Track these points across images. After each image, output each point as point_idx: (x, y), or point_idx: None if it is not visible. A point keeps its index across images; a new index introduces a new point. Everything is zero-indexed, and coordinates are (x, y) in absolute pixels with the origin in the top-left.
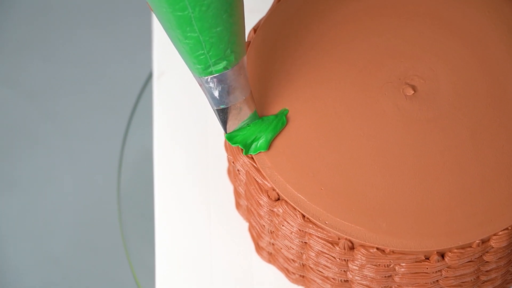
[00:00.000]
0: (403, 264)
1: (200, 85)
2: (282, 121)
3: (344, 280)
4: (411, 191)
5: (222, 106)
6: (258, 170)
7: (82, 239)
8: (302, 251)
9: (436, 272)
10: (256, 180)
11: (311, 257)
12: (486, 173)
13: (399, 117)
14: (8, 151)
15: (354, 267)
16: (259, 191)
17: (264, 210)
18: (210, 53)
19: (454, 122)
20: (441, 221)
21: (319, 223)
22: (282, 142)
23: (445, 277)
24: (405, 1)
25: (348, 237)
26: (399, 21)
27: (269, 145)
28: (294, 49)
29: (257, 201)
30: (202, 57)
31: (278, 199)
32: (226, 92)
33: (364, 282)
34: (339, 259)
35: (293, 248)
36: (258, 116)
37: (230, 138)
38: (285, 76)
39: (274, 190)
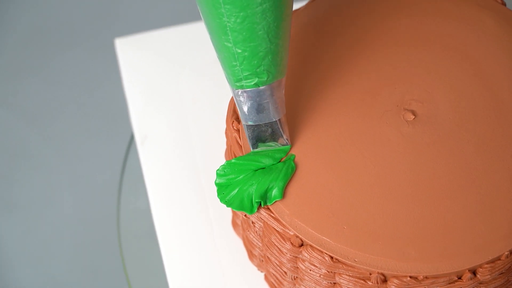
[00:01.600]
0: None
1: (233, 96)
2: (291, 167)
3: None
4: (431, 214)
5: (250, 123)
6: (276, 219)
7: (82, 261)
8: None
9: None
10: (276, 230)
11: None
12: (500, 185)
13: (405, 143)
14: (7, 173)
15: None
16: (281, 239)
17: (287, 257)
18: (242, 67)
19: (459, 140)
20: (467, 239)
21: (349, 262)
22: (294, 186)
23: None
24: (388, 26)
25: (380, 271)
26: (385, 47)
27: (283, 193)
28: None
29: (279, 250)
30: (235, 68)
31: (302, 244)
32: (255, 109)
33: None
34: None
35: None
36: (290, 143)
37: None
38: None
39: (297, 236)
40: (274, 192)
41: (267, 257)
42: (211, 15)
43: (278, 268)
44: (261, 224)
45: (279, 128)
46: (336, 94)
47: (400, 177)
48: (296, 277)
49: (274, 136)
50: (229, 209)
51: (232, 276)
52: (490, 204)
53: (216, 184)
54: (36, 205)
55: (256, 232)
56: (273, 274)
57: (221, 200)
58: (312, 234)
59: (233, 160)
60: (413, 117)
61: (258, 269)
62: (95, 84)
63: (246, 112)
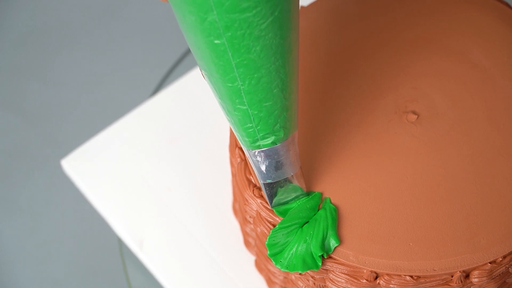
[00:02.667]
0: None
1: (248, 157)
2: (333, 209)
3: None
4: (470, 210)
5: (268, 181)
6: (344, 264)
7: (82, 263)
8: None
9: None
10: (346, 273)
11: None
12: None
13: (421, 143)
14: (8, 175)
15: None
16: (356, 279)
17: None
18: (259, 127)
19: (467, 127)
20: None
21: (429, 273)
22: (342, 226)
23: None
24: (377, 28)
25: (461, 269)
26: (372, 51)
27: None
28: None
29: None
30: (250, 130)
31: (377, 276)
32: (273, 167)
33: None
34: None
35: None
36: (306, 192)
37: (306, 256)
38: None
39: (372, 271)
40: (331, 240)
41: None
42: (222, 80)
43: None
44: (325, 275)
45: (295, 181)
46: (332, 120)
47: (431, 177)
48: None
49: (292, 188)
50: (256, 274)
51: None
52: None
53: (270, 255)
54: (36, 205)
55: (315, 283)
56: None
57: (282, 268)
58: (383, 263)
59: (277, 227)
60: (416, 116)
61: None
62: (96, 84)
63: (265, 171)
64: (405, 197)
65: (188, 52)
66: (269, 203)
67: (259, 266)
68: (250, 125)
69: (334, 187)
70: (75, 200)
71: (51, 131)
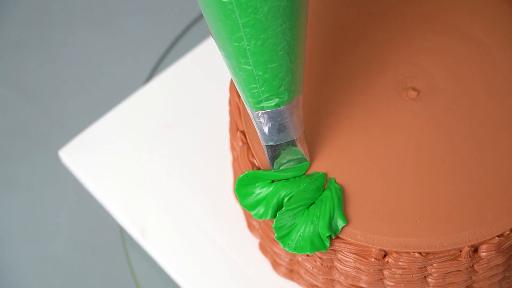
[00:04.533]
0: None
1: (252, 118)
2: (339, 189)
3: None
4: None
5: (270, 143)
6: (352, 243)
7: (81, 240)
8: (421, 285)
9: None
10: (354, 253)
11: (434, 284)
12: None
13: (423, 119)
14: (7, 151)
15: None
16: (364, 258)
17: (370, 272)
18: (263, 88)
19: (468, 102)
20: None
21: (438, 249)
22: (349, 206)
23: None
24: (373, 5)
25: (470, 243)
26: (367, 28)
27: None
28: None
29: (358, 270)
30: (254, 91)
31: (386, 254)
32: (276, 129)
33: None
34: (466, 268)
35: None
36: (309, 160)
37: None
38: None
39: (380, 250)
40: (339, 220)
41: (339, 282)
42: (229, 39)
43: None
44: (333, 255)
45: (299, 145)
46: (333, 99)
47: (435, 153)
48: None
49: (294, 153)
50: (261, 256)
51: None
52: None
53: (277, 238)
54: (36, 182)
55: (323, 264)
56: None
57: (290, 250)
58: (392, 241)
59: (283, 209)
60: (416, 92)
61: None
62: (95, 61)
63: (267, 133)
64: (410, 174)
65: (183, 35)
66: (270, 165)
67: (263, 249)
68: (255, 85)
69: (338, 167)
70: (75, 180)
71: (51, 107)
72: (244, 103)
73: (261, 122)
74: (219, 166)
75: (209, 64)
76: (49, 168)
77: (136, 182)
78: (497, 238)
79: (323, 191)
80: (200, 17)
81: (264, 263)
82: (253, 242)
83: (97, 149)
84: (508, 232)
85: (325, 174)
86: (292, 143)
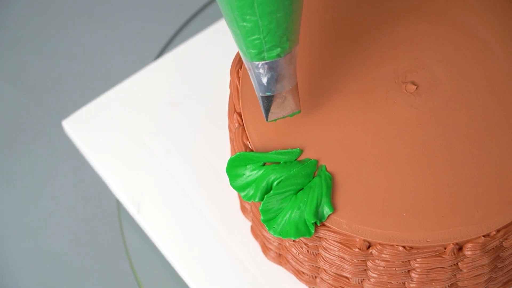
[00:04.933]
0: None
1: (248, 70)
2: (328, 177)
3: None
4: (466, 182)
5: (267, 94)
6: (337, 232)
7: (81, 235)
8: (404, 280)
9: None
10: (339, 242)
11: (417, 279)
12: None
13: (420, 114)
14: (7, 146)
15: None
16: (348, 248)
17: (354, 263)
18: (266, 39)
19: (466, 99)
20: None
21: (422, 245)
22: (337, 194)
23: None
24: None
25: (455, 241)
26: (368, 22)
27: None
28: None
29: (342, 259)
30: (257, 41)
31: (370, 246)
32: (274, 79)
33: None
34: (450, 266)
35: (392, 282)
36: (300, 109)
37: (299, 222)
38: None
39: (364, 240)
40: (325, 207)
41: (325, 270)
42: None
43: (340, 278)
44: (318, 242)
45: (292, 95)
46: (331, 88)
47: (429, 148)
48: (363, 279)
49: (287, 103)
50: (252, 239)
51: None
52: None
53: (263, 221)
54: (35, 176)
55: (309, 251)
56: (332, 285)
57: (274, 234)
58: (376, 232)
59: (271, 193)
60: (415, 87)
61: (309, 286)
62: (94, 56)
63: (265, 84)
64: (401, 168)
65: (192, 17)
66: (264, 116)
67: (254, 232)
68: (258, 36)
69: (330, 155)
70: (74, 170)
71: (51, 102)
72: (242, 55)
73: (260, 73)
74: (219, 147)
75: (216, 46)
76: (48, 162)
77: (135, 157)
78: (482, 237)
79: (313, 178)
80: (202, 6)
81: (255, 246)
82: (246, 225)
83: (100, 122)
84: (494, 233)
85: (317, 161)
86: (287, 93)
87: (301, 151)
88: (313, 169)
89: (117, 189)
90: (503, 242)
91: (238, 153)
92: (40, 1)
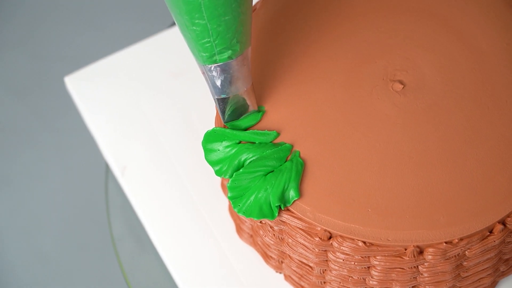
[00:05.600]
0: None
1: (203, 73)
2: (300, 163)
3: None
4: (444, 178)
5: (223, 96)
6: (300, 218)
7: (71, 236)
8: (365, 276)
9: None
10: (301, 229)
11: (377, 276)
12: (497, 145)
13: (402, 114)
14: None
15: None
16: (308, 236)
17: (315, 252)
18: (216, 42)
19: (451, 101)
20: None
21: (382, 243)
22: (307, 182)
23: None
24: None
25: (415, 244)
26: (358, 18)
27: (299, 191)
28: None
29: (305, 247)
30: (207, 45)
31: (331, 237)
32: (228, 82)
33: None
34: (409, 268)
35: (353, 277)
36: (257, 108)
37: (263, 202)
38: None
39: (325, 230)
40: (291, 192)
41: (290, 256)
42: None
43: (303, 265)
44: (283, 227)
45: (248, 96)
46: (319, 76)
47: (405, 148)
48: (325, 270)
49: (244, 105)
50: (229, 217)
51: (250, 280)
52: (490, 165)
53: (230, 198)
54: (25, 179)
55: (275, 235)
56: (296, 272)
57: (238, 212)
58: (339, 224)
59: (240, 171)
60: (402, 86)
61: (276, 271)
62: (83, 58)
63: (220, 86)
64: (373, 163)
65: None
66: (222, 118)
67: (231, 211)
68: (208, 39)
69: (305, 142)
70: (64, 172)
71: (40, 104)
72: (196, 59)
73: (213, 76)
74: (211, 121)
75: None
76: (38, 165)
77: (130, 121)
78: (444, 244)
79: (285, 162)
80: None
81: (230, 225)
82: (225, 203)
83: (101, 83)
84: (457, 241)
85: (291, 146)
86: (243, 94)
87: (278, 134)
88: (287, 153)
89: (106, 150)
90: (466, 252)
91: (214, 128)
92: (28, 3)
